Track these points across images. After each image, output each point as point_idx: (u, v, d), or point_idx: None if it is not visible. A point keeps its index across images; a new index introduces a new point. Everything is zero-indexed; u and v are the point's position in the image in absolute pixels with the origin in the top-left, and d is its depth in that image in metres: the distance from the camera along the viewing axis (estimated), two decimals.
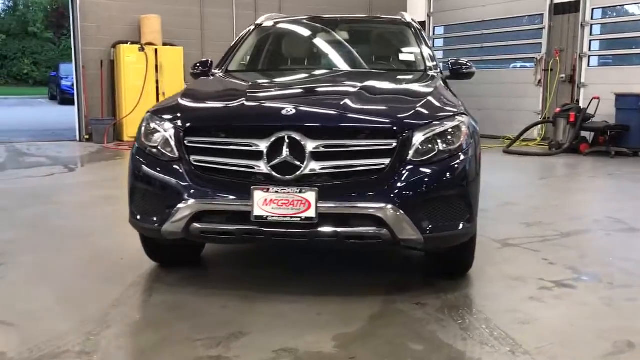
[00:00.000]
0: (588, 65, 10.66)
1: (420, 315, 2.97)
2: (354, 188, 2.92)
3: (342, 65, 4.50)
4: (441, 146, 3.04)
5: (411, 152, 2.96)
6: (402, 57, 4.67)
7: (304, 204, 2.87)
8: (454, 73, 4.32)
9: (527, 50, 11.71)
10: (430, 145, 3.02)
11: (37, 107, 23.30)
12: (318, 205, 2.87)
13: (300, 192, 2.87)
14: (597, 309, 3.10)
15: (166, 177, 3.05)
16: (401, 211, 2.89)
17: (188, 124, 3.07)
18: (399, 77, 4.14)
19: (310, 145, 2.88)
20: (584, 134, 9.58)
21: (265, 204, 2.89)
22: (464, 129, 3.16)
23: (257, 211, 2.89)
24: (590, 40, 10.62)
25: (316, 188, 2.87)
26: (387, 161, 2.92)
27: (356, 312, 2.98)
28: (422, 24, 13.71)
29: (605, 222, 4.96)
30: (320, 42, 4.79)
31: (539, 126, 10.88)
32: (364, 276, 3.53)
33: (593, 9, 10.49)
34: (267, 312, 2.99)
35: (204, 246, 3.86)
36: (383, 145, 2.93)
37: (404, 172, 2.93)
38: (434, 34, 13.71)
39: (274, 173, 2.90)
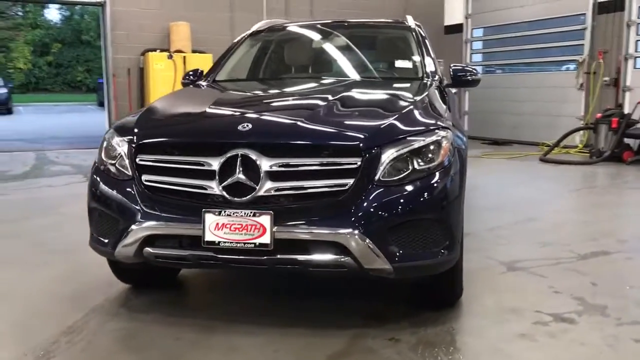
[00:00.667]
0: (634, 67, 9.98)
1: (389, 354, 2.65)
2: (315, 211, 2.63)
3: (333, 73, 4.22)
4: (417, 164, 2.73)
5: (380, 172, 2.65)
6: (397, 63, 4.34)
7: (258, 228, 2.61)
8: (457, 80, 3.98)
9: (569, 52, 11.08)
10: (403, 164, 2.71)
11: (85, 113, 23.89)
12: (274, 230, 2.60)
13: (254, 215, 2.61)
14: (596, 351, 2.71)
15: (119, 197, 2.85)
16: (366, 238, 2.59)
17: (140, 141, 2.85)
18: (386, 85, 3.82)
19: (265, 164, 2.62)
20: (627, 141, 8.95)
21: (217, 228, 2.64)
22: (445, 144, 2.83)
23: (209, 236, 2.65)
24: (637, 41, 9.94)
25: (271, 211, 2.60)
26: (350, 182, 2.62)
27: (318, 350, 2.69)
28: (460, 26, 13.25)
29: (632, 243, 4.49)
30: (312, 49, 4.53)
31: (581, 133, 10.26)
32: (340, 304, 3.24)
33: None
34: (221, 346, 2.74)
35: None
36: (345, 164, 2.64)
37: (370, 193, 2.63)
38: (472, 36, 13.21)
39: (226, 194, 2.64)
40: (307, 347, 2.72)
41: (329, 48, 4.51)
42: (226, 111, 3.27)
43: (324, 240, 2.62)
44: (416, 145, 2.75)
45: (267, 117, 3.08)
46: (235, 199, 2.63)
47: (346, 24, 4.77)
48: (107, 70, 10.99)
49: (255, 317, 3.06)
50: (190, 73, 4.33)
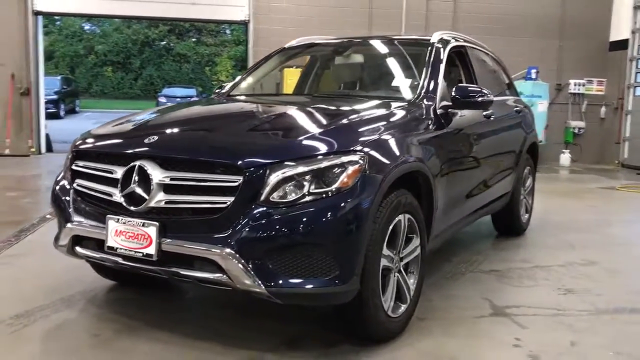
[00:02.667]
0: None
1: None
2: (197, 227, 2.66)
3: (331, 91, 4.17)
4: (311, 187, 2.61)
5: (265, 192, 2.59)
6: (394, 82, 4.11)
7: (146, 238, 2.71)
8: (457, 102, 3.67)
9: None
10: (295, 186, 2.61)
11: None
12: (160, 241, 2.68)
13: (143, 225, 2.72)
14: None
15: (62, 199, 3.14)
16: (239, 258, 2.55)
17: (75, 149, 3.11)
18: (354, 105, 3.63)
19: (157, 176, 2.71)
20: None
21: (116, 234, 2.79)
22: (351, 169, 2.67)
23: (110, 241, 2.81)
24: None
25: (157, 223, 2.68)
26: (229, 200, 2.60)
27: None
28: (625, 42, 11.88)
29: None
30: (321, 67, 4.48)
31: None
32: (264, 324, 3.17)
33: None
34: (120, 348, 2.88)
35: None
36: (226, 181, 2.62)
37: (250, 214, 2.58)
38: (638, 53, 11.75)
39: (124, 203, 2.78)
40: None
41: (342, 65, 4.43)
42: (160, 124, 3.38)
43: (200, 256, 2.63)
44: (310, 167, 2.63)
45: (178, 131, 3.16)
46: (131, 207, 2.75)
47: (363, 40, 4.63)
48: None
49: (174, 324, 3.14)
50: (217, 88, 4.57)
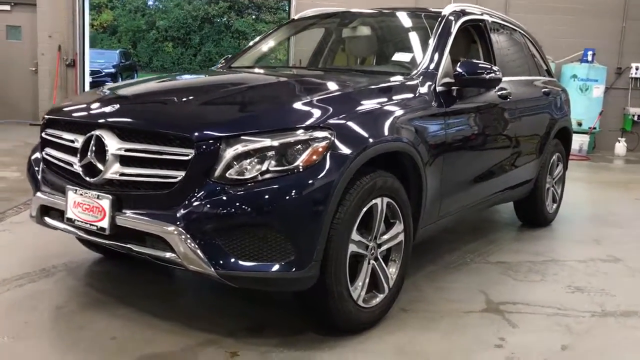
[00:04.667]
0: None
1: None
2: (150, 202, 2.52)
3: (333, 64, 3.93)
4: (271, 164, 2.43)
5: (219, 168, 2.42)
6: (396, 56, 3.83)
7: (100, 211, 2.60)
8: (461, 79, 3.39)
9: None
10: (253, 162, 2.43)
11: None
12: (113, 215, 2.56)
13: (98, 198, 2.61)
14: None
15: (33, 168, 3.07)
16: (188, 237, 2.40)
17: (45, 117, 3.03)
18: (344, 79, 3.40)
19: (113, 147, 2.58)
20: None
21: (74, 205, 2.70)
22: (315, 146, 2.47)
23: (69, 213, 2.72)
24: None
25: (110, 196, 2.57)
26: (180, 175, 2.44)
27: (148, 346, 2.59)
28: None
29: None
30: (327, 40, 4.24)
31: None
32: (234, 307, 3.03)
33: None
34: (80, 321, 2.81)
35: None
36: (178, 155, 2.46)
37: (201, 190, 2.42)
38: None
39: (82, 173, 2.68)
40: (143, 341, 2.63)
41: (348, 38, 4.19)
42: (129, 94, 3.24)
43: (150, 232, 2.50)
44: (270, 143, 2.44)
45: (141, 101, 3.02)
46: (88, 178, 2.65)
47: (373, 12, 4.33)
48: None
49: (138, 302, 3.04)
50: (223, 59, 4.42)
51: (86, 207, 2.64)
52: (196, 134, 2.44)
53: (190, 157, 2.43)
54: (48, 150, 2.95)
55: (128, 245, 2.58)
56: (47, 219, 2.93)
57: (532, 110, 4.52)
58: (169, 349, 2.57)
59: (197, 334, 2.72)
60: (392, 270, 2.96)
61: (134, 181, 2.55)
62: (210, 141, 2.43)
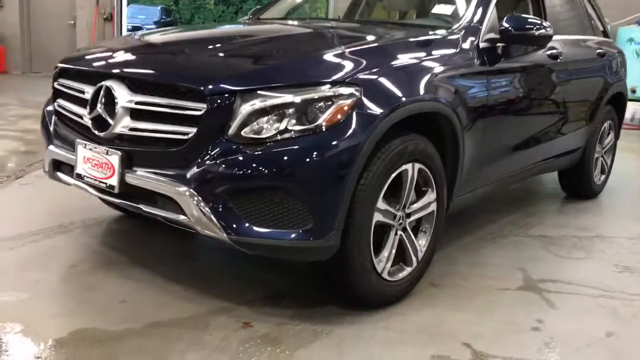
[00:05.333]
0: None
1: (213, 338, 2.28)
2: (161, 159, 2.34)
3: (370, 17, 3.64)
4: (290, 122, 2.21)
5: (234, 125, 2.22)
6: (436, 9, 3.51)
7: (110, 168, 2.44)
8: (506, 35, 3.07)
9: None
10: (270, 119, 2.22)
11: None
12: (123, 172, 2.40)
13: (107, 153, 2.44)
14: None
15: (46, 120, 2.93)
16: (199, 198, 2.22)
17: (57, 66, 2.86)
18: (379, 32, 3.12)
19: (123, 99, 2.39)
20: None
21: (84, 161, 2.55)
22: (340, 103, 2.24)
23: (79, 168, 2.58)
24: None
25: (119, 152, 2.40)
26: (192, 131, 2.25)
27: (158, 312, 2.45)
28: None
29: None
30: None
31: None
32: (259, 272, 2.86)
33: None
34: (90, 282, 2.69)
35: None
36: (189, 109, 2.26)
37: (215, 149, 2.22)
38: None
39: (91, 127, 2.51)
40: (153, 306, 2.49)
41: None
42: (145, 44, 3.04)
43: (161, 192, 2.32)
44: (291, 99, 2.22)
45: (156, 52, 2.82)
46: (97, 132, 2.48)
47: None
48: None
49: (153, 264, 2.90)
50: (253, 10, 4.21)
51: (95, 162, 2.48)
52: (209, 86, 2.23)
53: (202, 112, 2.22)
54: (60, 101, 2.79)
55: (138, 205, 2.42)
56: (60, 174, 2.79)
57: (585, 73, 4.16)
58: (178, 315, 2.43)
59: (210, 300, 2.56)
60: (422, 242, 2.74)
61: (145, 137, 2.37)
62: (224, 95, 2.22)
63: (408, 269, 2.66)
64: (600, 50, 4.42)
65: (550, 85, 3.66)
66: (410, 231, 2.65)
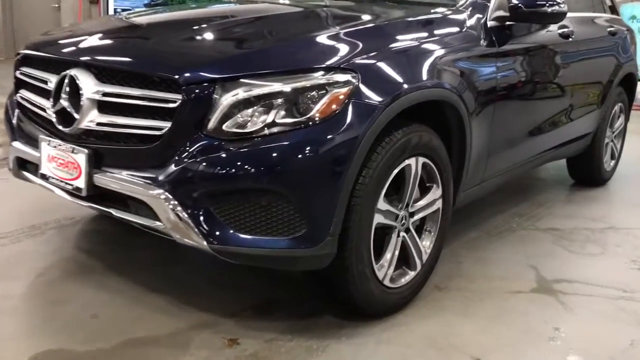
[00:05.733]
0: None
1: (192, 358, 2.03)
2: (133, 158, 2.07)
3: None
4: (279, 114, 1.94)
5: (214, 118, 1.94)
6: None
7: (76, 168, 2.16)
8: (517, 13, 2.79)
9: None
10: (255, 112, 1.95)
11: None
12: (90, 173, 2.13)
13: (73, 152, 2.17)
14: None
15: (9, 113, 2.64)
16: (175, 202, 1.95)
17: (19, 53, 2.57)
18: (376, 10, 2.82)
19: (89, 90, 2.11)
20: None
21: (49, 160, 2.27)
22: (333, 92, 1.96)
23: (43, 168, 2.31)
24: None
25: (86, 150, 2.12)
26: (166, 126, 1.97)
27: (132, 329, 2.19)
28: None
29: None
30: None
31: None
32: (251, 280, 2.60)
33: None
34: (61, 290, 2.42)
35: None
36: (162, 101, 1.98)
37: (193, 146, 1.95)
38: None
39: (55, 121, 2.23)
40: (127, 322, 2.23)
41: None
42: (117, 27, 2.73)
43: (132, 196, 2.05)
44: (279, 88, 1.94)
45: (127, 35, 2.52)
46: (61, 128, 2.20)
47: None
48: None
49: (133, 270, 2.64)
50: None
51: (61, 162, 2.21)
52: (184, 75, 1.95)
53: (177, 104, 1.95)
54: (23, 92, 2.51)
55: (109, 210, 2.16)
56: (25, 173, 2.52)
57: (597, 53, 3.88)
58: (156, 331, 2.17)
59: (193, 313, 2.31)
60: (426, 244, 2.48)
61: (115, 133, 2.10)
62: (202, 84, 1.94)
63: (412, 274, 2.41)
64: (611, 29, 4.14)
65: (561, 66, 3.39)
66: (413, 232, 2.39)
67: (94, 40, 2.36)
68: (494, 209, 3.73)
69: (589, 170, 4.34)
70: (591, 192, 4.33)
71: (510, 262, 2.97)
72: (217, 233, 1.95)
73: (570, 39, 3.43)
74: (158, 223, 2.02)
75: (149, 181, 1.99)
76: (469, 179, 2.73)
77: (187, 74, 1.94)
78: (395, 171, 2.19)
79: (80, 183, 2.14)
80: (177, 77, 1.94)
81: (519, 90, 2.95)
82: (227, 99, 1.93)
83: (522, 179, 4.45)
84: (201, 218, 1.95)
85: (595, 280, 2.81)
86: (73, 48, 2.33)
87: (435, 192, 2.45)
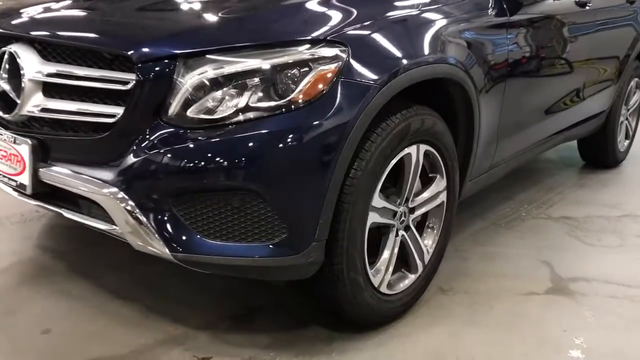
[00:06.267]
0: None
1: None
2: (81, 150, 1.76)
3: None
4: (253, 97, 1.62)
5: (175, 102, 1.63)
6: None
7: (20, 161, 1.85)
8: None
9: None
10: (225, 94, 1.63)
11: None
12: (35, 167, 1.81)
13: (15, 142, 1.85)
14: None
15: None
16: (132, 204, 1.64)
17: None
18: None
19: (31, 70, 1.79)
20: None
21: None
22: (319, 70, 1.64)
23: None
24: None
25: (30, 140, 1.81)
26: (119, 112, 1.65)
27: (91, 347, 1.90)
28: None
29: None
30: None
31: None
32: (235, 286, 2.29)
33: None
34: (17, 306, 2.12)
35: None
36: (114, 82, 1.66)
37: (149, 136, 1.63)
38: None
39: None
40: (84, 338, 1.94)
41: None
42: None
43: (82, 195, 1.74)
44: (255, 65, 1.62)
45: (79, 7, 2.18)
46: (1, 114, 1.88)
47: None
48: None
49: (99, 273, 2.34)
50: None
51: (3, 153, 1.90)
52: (139, 50, 1.62)
53: (131, 85, 1.62)
54: None
55: (59, 211, 1.85)
56: None
57: (614, 23, 3.53)
58: (114, 350, 1.88)
59: (161, 325, 2.02)
60: (429, 242, 2.19)
61: (62, 120, 1.78)
62: (161, 62, 1.61)
63: (412, 277, 2.12)
64: None
65: (577, 38, 3.05)
66: (414, 229, 2.09)
67: (37, 12, 2.03)
68: (499, 196, 3.42)
69: (602, 151, 4.03)
70: (604, 174, 4.02)
71: (521, 257, 2.68)
72: (182, 239, 1.65)
73: (587, 7, 3.09)
74: (113, 226, 1.72)
75: (101, 178, 1.68)
76: (477, 167, 2.42)
77: (142, 49, 1.62)
78: (393, 162, 1.88)
79: (24, 179, 1.83)
80: (129, 53, 1.61)
81: (532, 64, 2.63)
82: (191, 79, 1.61)
83: (529, 162, 4.13)
84: (163, 222, 1.64)
85: (616, 278, 2.52)
86: (13, 20, 2.00)
87: (439, 184, 2.15)
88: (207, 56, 1.62)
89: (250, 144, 1.60)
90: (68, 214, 1.83)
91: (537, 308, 2.26)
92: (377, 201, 1.85)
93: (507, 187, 3.56)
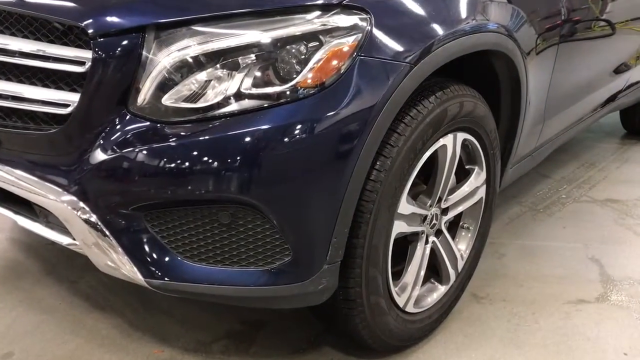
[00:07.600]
0: None
1: None
2: (31, 146, 1.40)
3: None
4: (248, 81, 1.24)
5: (146, 88, 1.25)
6: None
7: None
8: None
9: None
10: (212, 76, 1.24)
11: None
12: None
13: None
14: None
15: None
16: (95, 217, 1.28)
17: None
18: None
19: None
20: None
21: None
22: (333, 44, 1.25)
23: None
24: None
25: None
26: (74, 100, 1.28)
27: None
28: None
29: None
30: None
31: None
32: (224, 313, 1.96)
33: None
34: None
35: None
36: (67, 62, 1.28)
37: (112, 130, 1.26)
38: None
39: None
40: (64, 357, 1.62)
41: None
42: None
43: (34, 202, 1.39)
44: (251, 38, 1.23)
45: None
46: None
47: None
48: None
49: (74, 278, 2.01)
50: None
51: None
52: (97, 20, 1.23)
53: (87, 66, 1.24)
54: None
55: (14, 216, 1.51)
56: None
57: None
58: None
59: (143, 346, 1.70)
60: (462, 247, 1.83)
61: (7, 109, 1.41)
62: (126, 35, 1.23)
63: (443, 289, 1.77)
64: None
65: None
66: (446, 233, 1.73)
67: None
68: (535, 174, 3.05)
69: None
70: None
71: (565, 252, 2.32)
72: (159, 262, 1.30)
73: None
74: (71, 240, 1.37)
75: (57, 182, 1.32)
76: (521, 150, 2.04)
77: (101, 19, 1.23)
78: (425, 157, 1.50)
79: None
80: (84, 23, 1.22)
81: (589, 24, 2.21)
82: (166, 57, 1.23)
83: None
84: (133, 240, 1.29)
85: None
86: None
87: (478, 177, 1.77)
88: (187, 27, 1.23)
89: (243, 143, 1.23)
90: (23, 223, 1.48)
91: (589, 322, 1.91)
92: (405, 207, 1.49)
93: (543, 162, 3.16)
